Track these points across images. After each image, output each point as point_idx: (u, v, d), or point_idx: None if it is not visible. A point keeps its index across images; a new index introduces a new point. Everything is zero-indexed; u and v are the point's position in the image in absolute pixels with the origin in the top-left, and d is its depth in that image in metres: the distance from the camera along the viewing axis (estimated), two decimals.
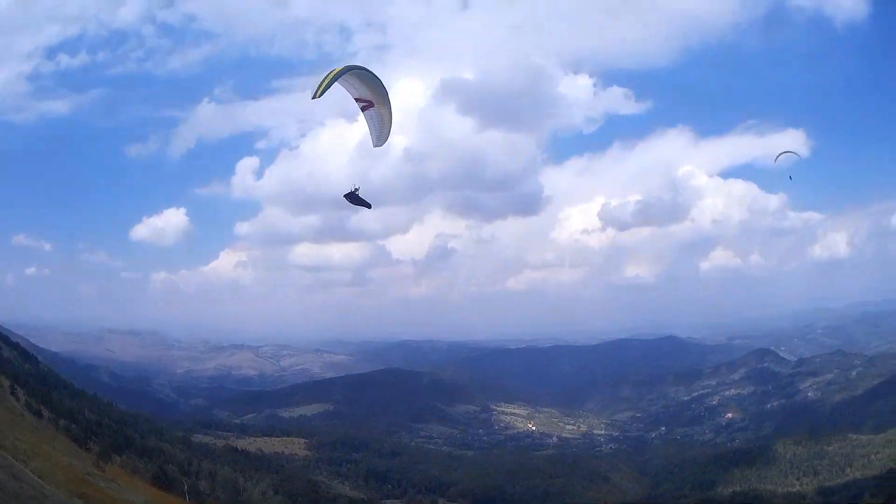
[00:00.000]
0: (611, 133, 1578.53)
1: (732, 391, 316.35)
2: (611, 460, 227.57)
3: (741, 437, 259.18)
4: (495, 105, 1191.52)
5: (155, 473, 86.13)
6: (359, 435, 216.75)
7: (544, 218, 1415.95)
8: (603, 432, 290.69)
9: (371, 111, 40.75)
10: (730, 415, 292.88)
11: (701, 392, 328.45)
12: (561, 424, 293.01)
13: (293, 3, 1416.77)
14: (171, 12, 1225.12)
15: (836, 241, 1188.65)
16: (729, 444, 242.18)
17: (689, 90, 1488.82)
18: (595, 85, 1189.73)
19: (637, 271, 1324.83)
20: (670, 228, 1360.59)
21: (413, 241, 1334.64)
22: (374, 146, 42.30)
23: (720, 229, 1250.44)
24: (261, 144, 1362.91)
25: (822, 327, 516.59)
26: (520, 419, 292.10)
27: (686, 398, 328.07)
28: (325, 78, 35.94)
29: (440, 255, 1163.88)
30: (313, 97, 35.63)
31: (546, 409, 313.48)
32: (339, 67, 36.75)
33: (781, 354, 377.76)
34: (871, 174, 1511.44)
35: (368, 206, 44.60)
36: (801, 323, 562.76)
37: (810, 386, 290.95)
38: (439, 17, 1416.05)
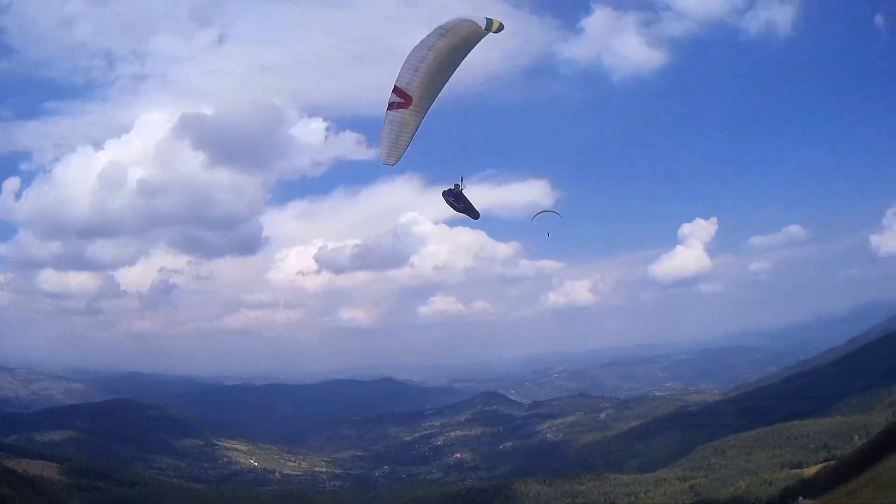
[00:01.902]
0: (337, 178, 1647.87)
1: (459, 432, 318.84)
2: (336, 497, 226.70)
3: (473, 476, 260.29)
4: (228, 143, 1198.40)
5: None
6: (101, 463, 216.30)
7: (262, 258, 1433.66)
8: (325, 470, 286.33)
9: (398, 114, 36.59)
10: (458, 455, 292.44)
11: (424, 433, 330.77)
12: (282, 461, 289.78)
13: (77, 26, 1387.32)
14: None
15: (576, 288, 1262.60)
16: (461, 484, 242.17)
17: (426, 138, 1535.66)
18: (328, 129, 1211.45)
19: (353, 314, 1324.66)
20: (388, 273, 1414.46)
21: (140, 273, 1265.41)
22: (382, 162, 38.63)
23: (443, 275, 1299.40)
24: (24, 166, 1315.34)
25: (559, 372, 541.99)
26: (242, 454, 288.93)
27: (409, 438, 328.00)
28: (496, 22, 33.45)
29: (163, 290, 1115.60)
30: (486, 28, 33.34)
31: (266, 446, 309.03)
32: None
33: (512, 397, 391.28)
34: (621, 225, 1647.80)
35: (475, 214, 40.86)
36: (534, 368, 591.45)
37: (549, 428, 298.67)
38: (196, 51, 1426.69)
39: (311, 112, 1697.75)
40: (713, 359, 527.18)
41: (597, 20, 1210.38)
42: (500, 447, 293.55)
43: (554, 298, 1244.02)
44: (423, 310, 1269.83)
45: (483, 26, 32.87)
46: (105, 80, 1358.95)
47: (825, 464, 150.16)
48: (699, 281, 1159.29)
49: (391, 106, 36.19)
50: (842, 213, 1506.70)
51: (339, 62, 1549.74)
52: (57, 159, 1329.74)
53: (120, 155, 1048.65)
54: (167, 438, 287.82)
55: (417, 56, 35.09)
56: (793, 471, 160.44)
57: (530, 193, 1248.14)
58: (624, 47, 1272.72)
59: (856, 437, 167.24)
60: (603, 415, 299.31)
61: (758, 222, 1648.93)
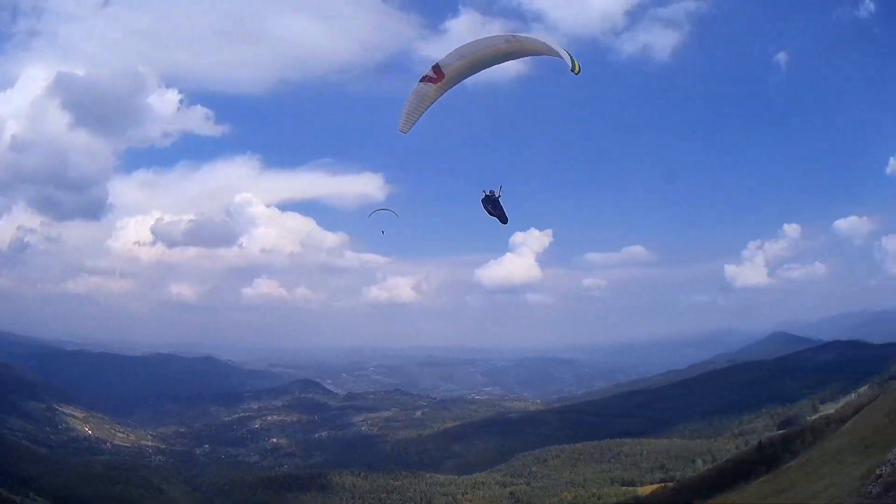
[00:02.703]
0: (182, 151, 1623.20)
1: (276, 417, 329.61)
2: (162, 472, 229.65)
3: (289, 462, 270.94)
4: (92, 105, 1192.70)
5: None
6: None
7: (105, 225, 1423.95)
8: (151, 444, 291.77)
9: (425, 86, 37.59)
10: (275, 440, 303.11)
11: (242, 415, 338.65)
12: (113, 431, 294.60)
13: None
14: None
15: (399, 284, 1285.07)
16: (277, 469, 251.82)
17: (271, 121, 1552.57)
18: (181, 101, 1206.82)
19: (181, 289, 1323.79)
20: (217, 251, 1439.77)
21: (2, 230, 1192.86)
22: (400, 129, 39.28)
23: (268, 258, 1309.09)
24: None
25: (375, 366, 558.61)
26: (78, 422, 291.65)
27: (228, 419, 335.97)
28: (578, 65, 33.54)
29: (19, 249, 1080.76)
30: (571, 69, 33.23)
31: (99, 415, 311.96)
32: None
33: (328, 387, 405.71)
34: (452, 227, 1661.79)
35: (505, 220, 42.83)
36: (351, 359, 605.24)
37: (364, 421, 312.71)
38: (84, 11, 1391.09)
39: (169, 82, 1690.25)
40: (536, 368, 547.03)
41: (462, 23, 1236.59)
42: (316, 436, 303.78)
43: (376, 293, 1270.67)
44: (247, 291, 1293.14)
45: (569, 65, 33.32)
46: (6, 33, 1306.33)
47: (663, 484, 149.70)
48: (527, 290, 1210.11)
49: (424, 78, 37.22)
50: (696, 239, 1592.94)
51: (204, 35, 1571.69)
52: None
53: (1, 110, 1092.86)
54: (16, 400, 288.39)
55: (472, 47, 36.04)
56: (624, 487, 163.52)
57: (364, 186, 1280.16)
58: None
59: (699, 462, 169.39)
60: (419, 413, 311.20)
61: (596, 239, 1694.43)
